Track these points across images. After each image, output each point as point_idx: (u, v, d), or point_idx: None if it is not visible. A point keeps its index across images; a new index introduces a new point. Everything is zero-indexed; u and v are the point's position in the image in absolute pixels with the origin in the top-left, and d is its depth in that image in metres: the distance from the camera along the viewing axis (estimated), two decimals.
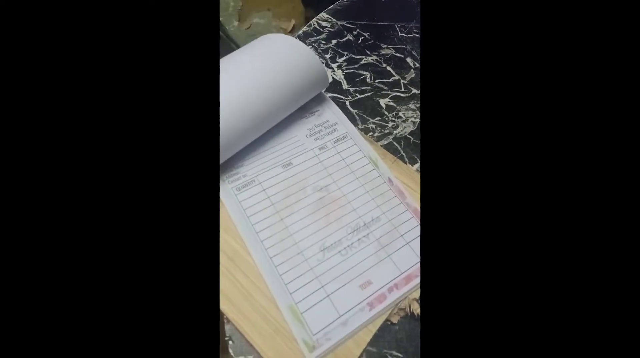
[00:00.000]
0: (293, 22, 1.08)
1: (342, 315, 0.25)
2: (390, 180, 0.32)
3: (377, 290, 0.26)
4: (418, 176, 0.32)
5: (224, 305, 0.26)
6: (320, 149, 0.33)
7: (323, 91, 0.37)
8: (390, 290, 0.26)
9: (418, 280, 0.27)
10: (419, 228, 0.29)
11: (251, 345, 0.24)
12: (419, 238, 0.28)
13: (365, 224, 0.29)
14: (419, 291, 0.27)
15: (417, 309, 0.26)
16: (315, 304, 0.25)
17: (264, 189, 0.30)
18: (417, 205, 0.30)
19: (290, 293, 0.26)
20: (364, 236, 0.28)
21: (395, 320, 0.26)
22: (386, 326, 0.26)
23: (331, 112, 0.36)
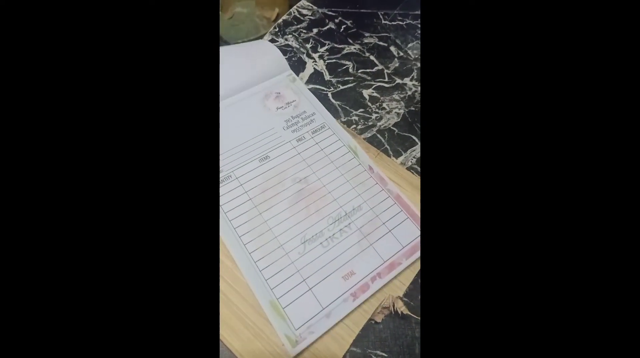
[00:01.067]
0: (277, 10, 1.10)
1: (326, 308, 0.26)
2: (370, 168, 0.33)
3: (360, 280, 0.27)
4: (402, 169, 0.34)
5: None
6: (297, 140, 0.34)
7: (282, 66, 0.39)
8: (373, 279, 0.27)
9: (401, 267, 0.28)
10: (401, 214, 0.30)
11: (230, 351, 0.25)
12: (401, 225, 0.30)
13: (346, 213, 0.30)
14: (403, 288, 0.28)
15: (401, 307, 0.27)
16: (297, 298, 0.26)
17: (241, 184, 0.31)
18: (399, 191, 0.31)
19: (271, 289, 0.27)
20: (346, 226, 0.29)
21: (379, 319, 0.27)
22: (370, 325, 0.26)
23: (308, 103, 0.37)
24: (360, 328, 0.26)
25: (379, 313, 0.27)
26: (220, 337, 0.26)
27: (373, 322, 0.27)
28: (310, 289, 0.27)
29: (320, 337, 0.25)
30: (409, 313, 0.27)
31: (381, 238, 0.29)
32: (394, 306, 0.27)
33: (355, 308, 0.26)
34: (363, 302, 0.27)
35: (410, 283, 0.28)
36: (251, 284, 0.27)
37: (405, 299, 0.27)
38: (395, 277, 0.28)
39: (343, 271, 0.27)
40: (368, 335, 0.26)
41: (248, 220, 0.29)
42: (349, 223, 0.30)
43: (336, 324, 0.26)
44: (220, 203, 0.30)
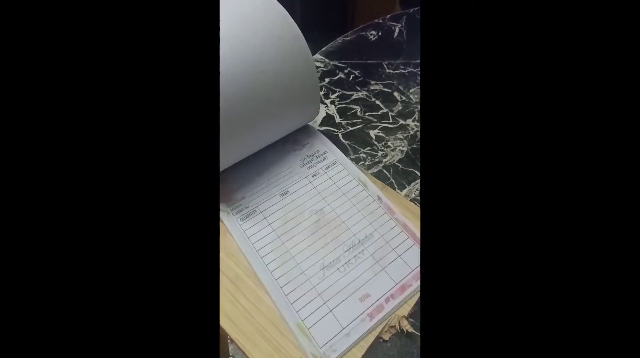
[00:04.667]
0: None
1: (345, 327, 0.29)
2: (379, 198, 0.37)
3: (375, 301, 0.30)
4: (406, 200, 0.38)
5: (227, 326, 0.30)
6: (313, 176, 0.39)
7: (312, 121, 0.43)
8: (387, 300, 0.31)
9: (412, 288, 0.31)
10: (409, 240, 0.34)
11: None
12: (409, 251, 0.33)
13: (359, 241, 0.34)
14: (408, 309, 0.31)
15: (406, 326, 0.30)
16: (319, 319, 0.30)
17: (265, 218, 0.36)
18: (406, 220, 0.35)
19: (296, 311, 0.30)
20: (360, 253, 0.33)
21: (386, 337, 0.30)
22: (378, 343, 0.29)
23: (320, 143, 0.42)
24: (369, 345, 0.29)
25: (386, 331, 0.30)
26: (244, 350, 0.29)
27: (381, 340, 0.30)
28: (330, 311, 0.30)
29: (342, 353, 0.29)
30: (414, 332, 0.30)
31: (392, 263, 0.33)
32: (400, 325, 0.30)
33: (373, 328, 0.30)
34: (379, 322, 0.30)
35: (415, 304, 0.31)
36: (278, 306, 0.30)
37: (411, 319, 0.31)
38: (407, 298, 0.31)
39: (359, 294, 0.31)
40: (377, 353, 0.29)
41: (273, 250, 0.34)
42: (362, 250, 0.34)
43: (355, 341, 0.29)
44: (248, 235, 0.35)
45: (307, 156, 0.41)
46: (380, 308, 0.30)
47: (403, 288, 0.31)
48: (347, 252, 0.34)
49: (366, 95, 0.49)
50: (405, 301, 0.31)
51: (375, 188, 0.38)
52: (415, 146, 0.44)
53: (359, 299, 0.31)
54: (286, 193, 0.38)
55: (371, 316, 0.30)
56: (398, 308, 0.31)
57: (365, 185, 0.39)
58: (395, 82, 0.51)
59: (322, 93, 0.49)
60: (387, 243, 0.34)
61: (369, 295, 0.31)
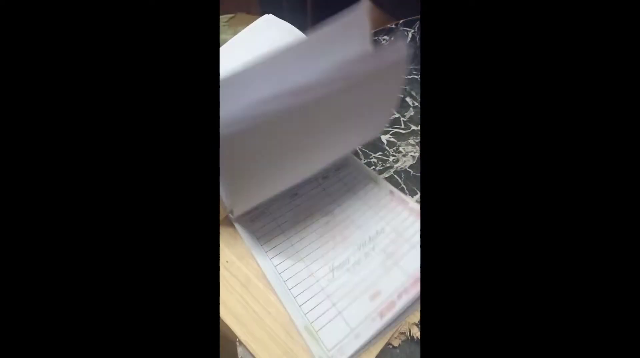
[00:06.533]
0: None
1: (354, 329, 0.29)
2: (391, 192, 0.37)
3: (386, 298, 0.30)
4: (417, 206, 0.38)
5: (237, 329, 0.30)
6: (323, 178, 0.39)
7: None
8: (399, 295, 0.30)
9: None
10: None
11: None
12: None
13: (370, 238, 0.34)
14: (418, 315, 0.30)
15: (416, 333, 0.29)
16: (328, 322, 0.29)
17: (275, 219, 0.36)
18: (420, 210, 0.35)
19: (305, 314, 0.30)
20: (370, 250, 0.33)
21: (396, 343, 0.29)
22: (387, 349, 0.29)
23: None
24: (379, 350, 0.29)
25: (396, 338, 0.29)
26: (253, 353, 0.29)
27: (391, 346, 0.29)
28: (339, 313, 0.30)
29: (351, 356, 0.28)
30: None
31: (405, 256, 0.32)
32: (410, 331, 0.30)
33: (383, 327, 0.29)
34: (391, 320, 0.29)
35: None
36: (287, 308, 0.30)
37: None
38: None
39: (369, 292, 0.30)
40: None
41: (281, 251, 0.34)
42: (373, 247, 0.33)
43: (365, 344, 0.29)
44: (257, 237, 0.35)
45: None
46: (391, 305, 0.30)
47: (417, 281, 0.31)
48: (357, 251, 0.33)
49: None
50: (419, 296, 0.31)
51: (386, 183, 0.39)
52: None
53: (369, 298, 0.30)
54: (295, 195, 0.38)
55: (382, 314, 0.29)
56: (412, 304, 0.30)
57: (376, 182, 0.39)
58: (407, 87, 0.51)
59: None
60: (399, 236, 0.34)
61: (380, 293, 0.31)
